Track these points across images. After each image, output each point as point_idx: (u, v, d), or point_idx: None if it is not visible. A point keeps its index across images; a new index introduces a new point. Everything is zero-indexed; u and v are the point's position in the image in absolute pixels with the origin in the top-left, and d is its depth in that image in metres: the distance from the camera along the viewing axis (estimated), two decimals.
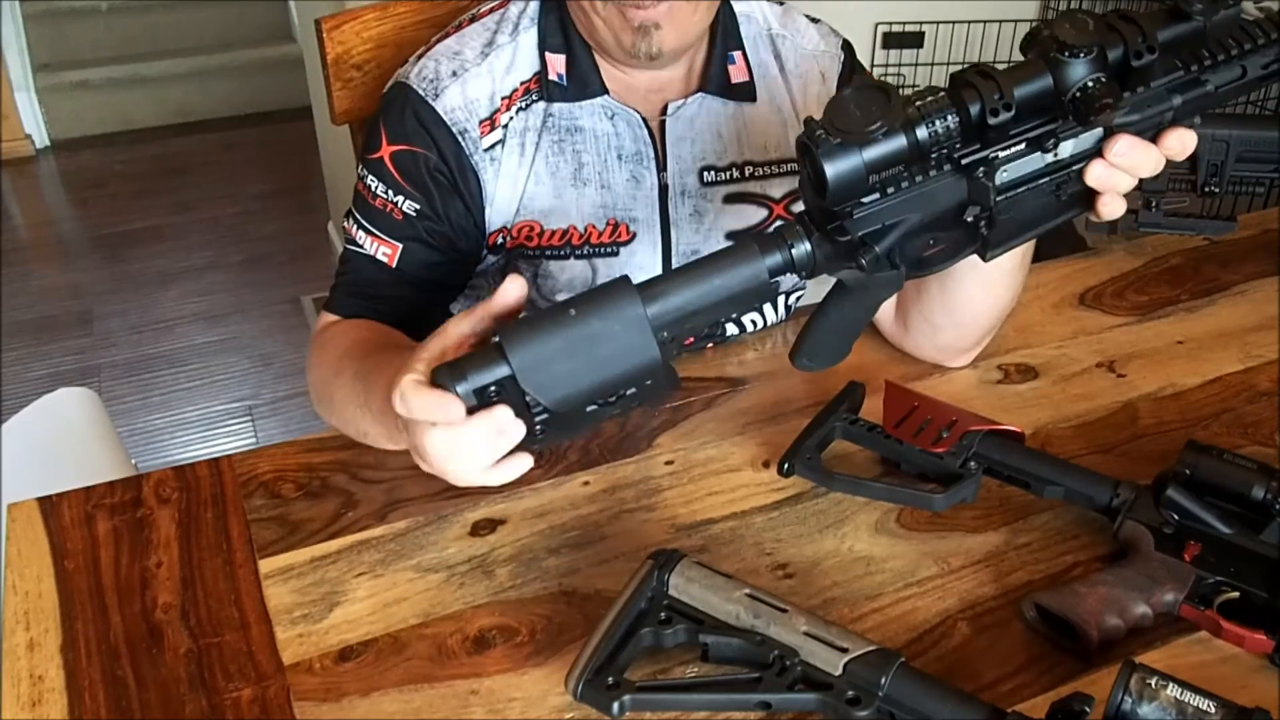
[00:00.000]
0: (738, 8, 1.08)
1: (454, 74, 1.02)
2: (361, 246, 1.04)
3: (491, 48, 1.03)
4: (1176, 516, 0.81)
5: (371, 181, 1.03)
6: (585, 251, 1.06)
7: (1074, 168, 0.78)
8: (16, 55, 4.02)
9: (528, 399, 0.71)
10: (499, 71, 1.03)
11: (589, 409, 0.73)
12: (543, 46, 1.03)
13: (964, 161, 0.74)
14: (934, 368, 1.08)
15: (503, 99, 1.03)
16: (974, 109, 0.71)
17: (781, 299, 1.19)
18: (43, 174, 4.03)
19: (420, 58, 1.04)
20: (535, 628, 0.79)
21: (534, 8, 1.04)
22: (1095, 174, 0.77)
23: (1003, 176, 0.75)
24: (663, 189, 1.06)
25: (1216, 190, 1.06)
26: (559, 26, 1.03)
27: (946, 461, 0.88)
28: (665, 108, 1.05)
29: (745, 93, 1.08)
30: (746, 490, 0.92)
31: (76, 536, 0.87)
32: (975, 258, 0.83)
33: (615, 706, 0.68)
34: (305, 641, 0.77)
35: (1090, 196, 0.78)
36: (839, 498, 0.90)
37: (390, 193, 1.02)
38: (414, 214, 1.02)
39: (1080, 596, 0.76)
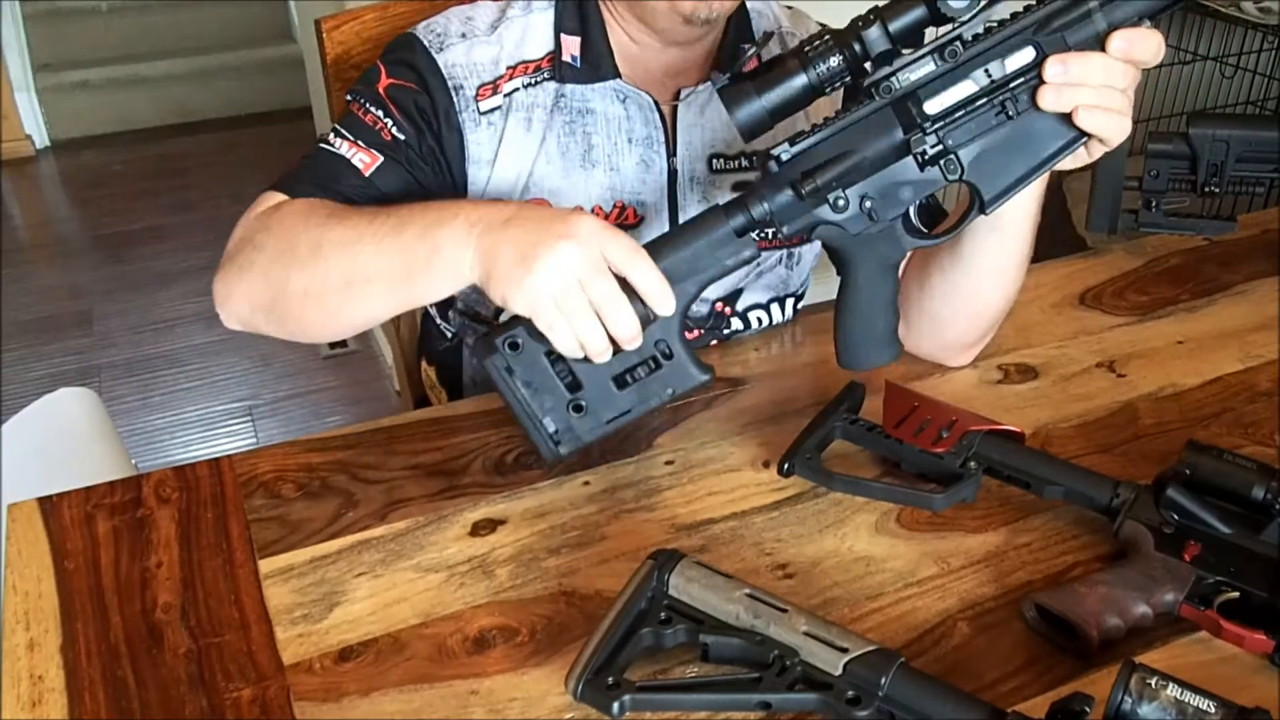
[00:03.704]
0: (749, 4, 1.10)
1: (462, 35, 1.03)
2: (335, 148, 1.00)
3: (503, 21, 1.04)
4: (1176, 516, 0.81)
5: (364, 103, 1.02)
6: None
7: (1010, 86, 0.80)
8: (16, 55, 4.02)
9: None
10: (509, 44, 1.04)
11: (621, 394, 0.86)
12: (559, 28, 1.04)
13: (866, 83, 0.81)
14: (934, 368, 1.08)
15: (508, 68, 1.03)
16: (856, 45, 0.80)
17: (790, 300, 1.19)
18: (43, 174, 4.03)
19: (434, 16, 1.05)
20: (535, 628, 0.79)
21: None
22: (1047, 99, 0.79)
23: (932, 107, 0.81)
24: (671, 174, 1.07)
25: (1216, 190, 1.06)
26: (576, 9, 1.04)
27: (946, 461, 0.88)
28: (678, 93, 1.06)
29: None
30: (746, 490, 0.92)
31: (76, 536, 0.87)
32: (976, 244, 0.89)
33: (615, 706, 0.68)
34: (305, 641, 0.77)
35: (1067, 119, 0.80)
36: (839, 498, 0.90)
37: (383, 114, 1.01)
38: (400, 140, 1.01)
39: (1080, 596, 0.76)
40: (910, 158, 0.82)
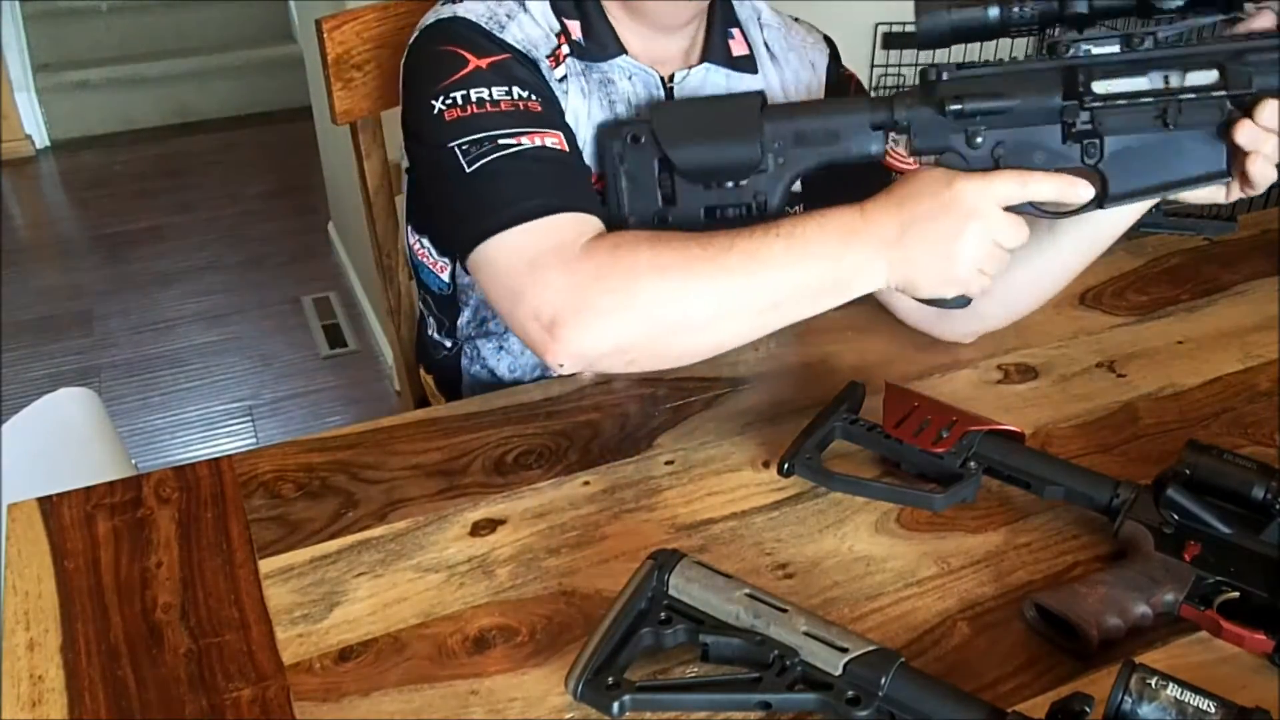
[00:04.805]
0: None
1: (510, 15, 0.99)
2: (519, 145, 0.89)
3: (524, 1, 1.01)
4: (1176, 516, 0.81)
5: (479, 92, 0.91)
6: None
7: (1181, 96, 0.81)
8: (16, 55, 4.03)
9: None
10: (541, 18, 1.01)
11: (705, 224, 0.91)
12: (557, 12, 1.02)
13: (1049, 40, 0.81)
14: (934, 368, 1.08)
15: (558, 34, 1.01)
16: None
17: None
18: (43, 174, 4.03)
19: (451, 2, 0.98)
20: (535, 628, 0.79)
21: None
22: (1244, 137, 0.79)
23: (1101, 87, 0.81)
24: None
25: None
26: None
27: (946, 461, 0.88)
28: (671, 77, 1.06)
29: (746, 65, 1.10)
30: (746, 490, 0.92)
31: (76, 536, 0.87)
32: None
33: (615, 706, 0.68)
34: (305, 641, 0.77)
35: (1230, 162, 0.81)
36: (839, 498, 0.90)
37: (514, 91, 0.92)
38: (546, 110, 0.93)
39: (1080, 596, 0.76)
40: (1059, 126, 0.83)
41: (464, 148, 0.90)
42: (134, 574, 0.83)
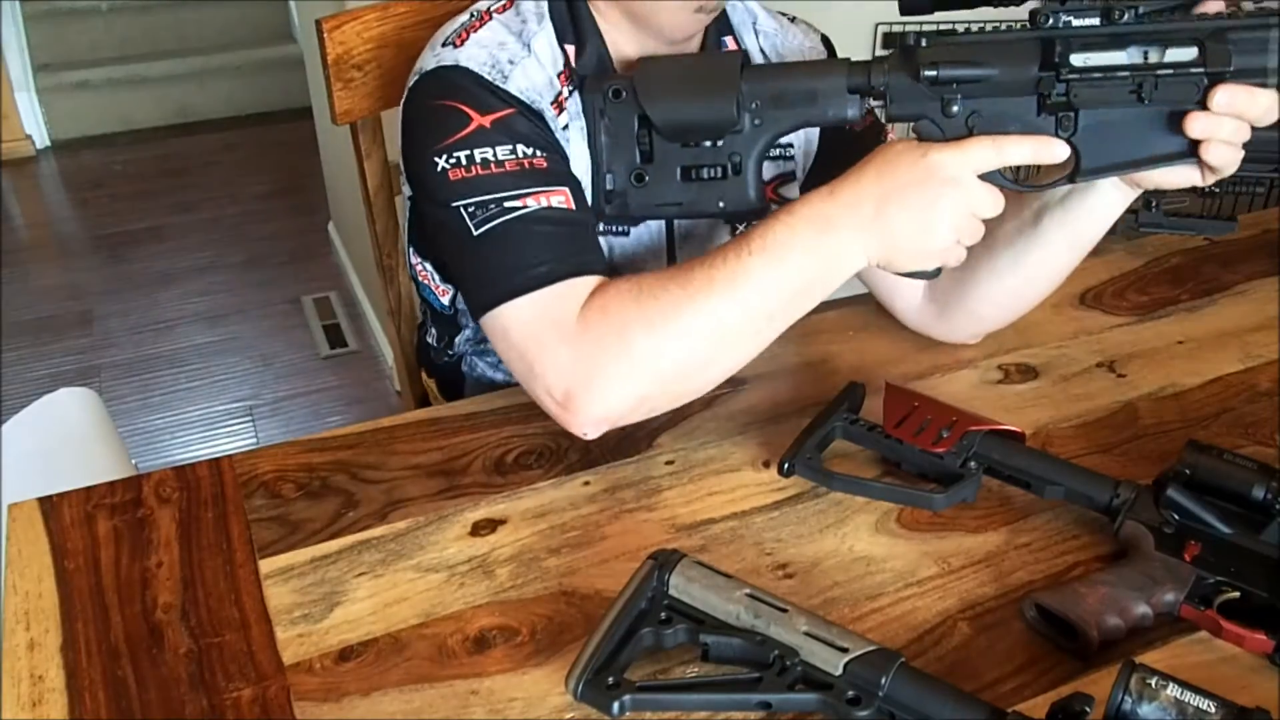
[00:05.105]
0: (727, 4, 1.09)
1: (511, 61, 0.96)
2: (524, 208, 0.89)
3: (529, 37, 0.98)
4: (1176, 516, 0.81)
5: (483, 152, 0.90)
6: (600, 230, 1.05)
7: (1157, 73, 0.80)
8: (17, 55, 4.03)
9: None
10: (546, 61, 0.99)
11: (681, 184, 0.91)
12: (561, 39, 1.01)
13: (1031, 12, 0.80)
14: (934, 368, 1.08)
15: (560, 75, 0.99)
16: None
17: None
18: (43, 174, 4.03)
19: (452, 46, 0.96)
20: (535, 628, 0.79)
21: (541, 4, 1.01)
22: (1195, 128, 0.79)
23: (1078, 59, 0.80)
24: None
25: (1216, 190, 1.06)
26: (568, 17, 1.01)
27: (946, 461, 0.88)
28: None
29: None
30: (746, 490, 0.92)
31: (76, 536, 0.87)
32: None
33: (615, 706, 0.68)
34: (305, 641, 0.77)
35: (1193, 146, 0.81)
36: (839, 498, 0.90)
37: (518, 149, 0.91)
38: (551, 165, 0.93)
39: (1080, 596, 0.76)
40: (1034, 97, 0.83)
41: (470, 209, 0.90)
42: (134, 574, 0.83)
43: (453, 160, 0.91)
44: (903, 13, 0.84)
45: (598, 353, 0.86)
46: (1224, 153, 0.81)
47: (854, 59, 0.87)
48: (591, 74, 0.98)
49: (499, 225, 0.89)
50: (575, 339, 0.87)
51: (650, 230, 1.08)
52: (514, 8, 1.01)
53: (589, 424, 0.88)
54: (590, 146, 0.97)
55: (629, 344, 0.86)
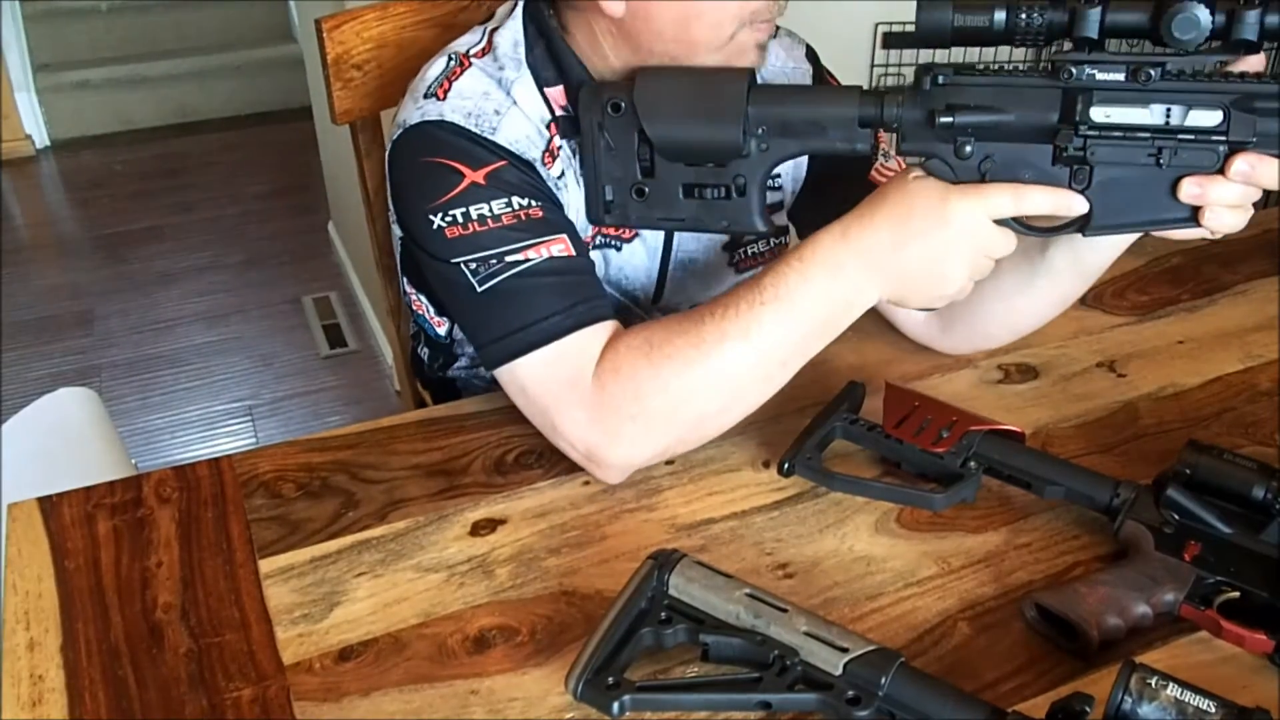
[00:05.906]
0: None
1: (497, 112, 0.93)
2: (527, 261, 0.89)
3: (508, 85, 0.95)
4: (1176, 516, 0.81)
5: (479, 209, 0.90)
6: (596, 243, 1.04)
7: (1178, 137, 0.78)
8: (16, 55, 4.02)
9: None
10: (531, 112, 0.95)
11: (683, 201, 0.89)
12: (540, 84, 0.96)
13: (1054, 61, 0.78)
14: (934, 368, 1.08)
15: (549, 124, 0.96)
16: (1068, 16, 0.76)
17: None
18: (43, 174, 4.03)
19: (435, 98, 0.94)
20: (535, 628, 0.79)
21: (516, 46, 0.97)
22: (1187, 192, 0.78)
23: (1099, 114, 0.79)
24: None
25: None
26: (549, 58, 0.97)
27: (946, 461, 0.88)
28: None
29: None
30: (746, 490, 0.92)
31: (76, 536, 0.87)
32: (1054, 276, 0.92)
33: (615, 706, 0.68)
34: (305, 641, 0.77)
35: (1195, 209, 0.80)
36: (839, 498, 0.90)
37: (514, 201, 0.90)
38: (548, 214, 0.92)
39: (1080, 596, 0.76)
40: (1051, 147, 0.80)
41: (471, 266, 0.90)
42: (134, 574, 0.83)
43: (449, 219, 0.90)
44: (921, 46, 0.81)
45: (613, 416, 0.87)
46: (1233, 218, 0.80)
47: (865, 88, 0.85)
48: (587, 86, 0.94)
49: (503, 281, 0.89)
50: (591, 402, 0.87)
51: (647, 244, 1.06)
52: (491, 53, 0.97)
53: (612, 477, 0.91)
54: (586, 156, 0.93)
55: (644, 405, 0.87)
